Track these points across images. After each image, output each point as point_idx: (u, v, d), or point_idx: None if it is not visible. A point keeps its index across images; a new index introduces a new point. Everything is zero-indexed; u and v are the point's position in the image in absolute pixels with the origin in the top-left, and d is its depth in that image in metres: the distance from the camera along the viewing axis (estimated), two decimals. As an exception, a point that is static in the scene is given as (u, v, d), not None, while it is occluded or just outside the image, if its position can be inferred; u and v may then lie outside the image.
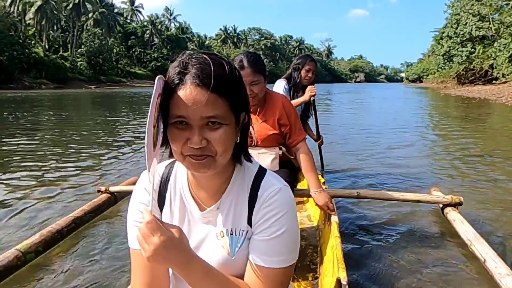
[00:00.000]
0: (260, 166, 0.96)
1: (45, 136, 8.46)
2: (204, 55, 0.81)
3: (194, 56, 0.80)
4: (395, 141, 7.47)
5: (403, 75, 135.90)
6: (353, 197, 2.89)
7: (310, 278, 2.14)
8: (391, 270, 2.34)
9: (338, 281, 1.31)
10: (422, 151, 6.54)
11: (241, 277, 0.90)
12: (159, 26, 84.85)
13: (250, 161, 0.95)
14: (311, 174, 2.28)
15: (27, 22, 59.15)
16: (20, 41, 49.75)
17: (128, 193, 3.41)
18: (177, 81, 0.78)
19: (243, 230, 0.90)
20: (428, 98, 28.88)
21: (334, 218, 2.17)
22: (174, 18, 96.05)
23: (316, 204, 2.31)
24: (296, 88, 3.55)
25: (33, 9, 58.06)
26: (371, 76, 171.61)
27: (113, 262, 2.42)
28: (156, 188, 0.95)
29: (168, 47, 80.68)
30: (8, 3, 59.02)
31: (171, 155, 0.87)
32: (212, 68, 0.77)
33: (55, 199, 3.74)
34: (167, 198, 0.95)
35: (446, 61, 44.85)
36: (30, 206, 3.52)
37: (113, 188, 3.29)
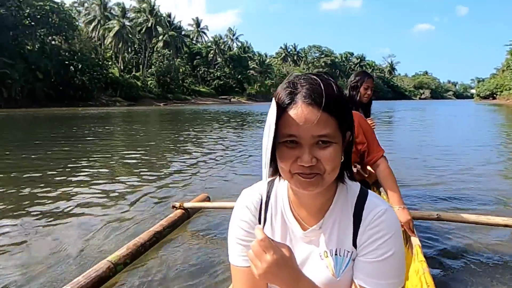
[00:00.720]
0: (361, 186, 0.96)
1: (119, 151, 9.10)
2: (313, 76, 0.84)
3: (303, 77, 0.83)
4: (470, 160, 7.11)
5: (473, 91, 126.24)
6: (433, 219, 2.68)
7: None
8: None
9: None
10: (502, 170, 6.18)
11: None
12: (222, 46, 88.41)
13: (354, 179, 0.95)
14: (393, 189, 2.23)
15: (106, 45, 65.35)
16: (100, 63, 55.05)
17: (199, 209, 3.69)
18: (288, 101, 0.80)
19: (348, 251, 0.90)
20: (503, 115, 26.58)
21: (415, 241, 2.08)
22: (237, 38, 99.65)
23: None
24: (355, 107, 3.45)
25: (111, 34, 64.02)
26: (438, 93, 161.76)
27: (194, 274, 2.56)
28: (257, 207, 0.95)
29: (230, 66, 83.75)
30: (90, 29, 65.85)
31: (273, 174, 0.91)
32: (322, 87, 0.80)
33: (133, 213, 3.96)
34: (268, 217, 0.96)
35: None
36: (111, 219, 3.76)
37: (186, 204, 3.48)
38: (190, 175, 5.93)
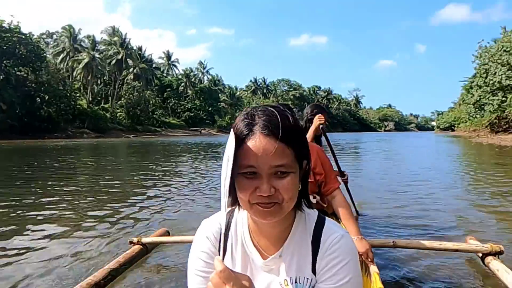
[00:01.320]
0: (319, 213, 0.97)
1: (80, 184, 8.80)
2: (270, 107, 0.85)
3: (260, 109, 0.85)
4: (427, 189, 7.40)
5: (434, 123, 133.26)
6: (389, 246, 2.79)
7: None
8: None
9: None
10: (455, 198, 6.43)
11: None
12: (193, 79, 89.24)
13: (311, 207, 0.96)
14: (349, 221, 2.25)
15: (75, 77, 64.23)
16: (68, 94, 53.77)
17: (158, 244, 3.51)
18: (246, 132, 0.81)
19: (307, 278, 0.90)
20: (460, 146, 28.18)
21: (374, 269, 2.11)
22: (207, 71, 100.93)
23: None
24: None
25: (81, 66, 63.14)
26: (401, 125, 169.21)
27: None
28: (217, 237, 0.94)
29: (201, 98, 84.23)
30: (59, 60, 64.73)
31: (232, 204, 0.91)
32: (279, 119, 0.81)
33: (89, 249, 3.75)
34: (228, 246, 0.95)
35: (477, 109, 43.99)
36: (65, 255, 3.54)
37: (145, 240, 3.34)
38: (152, 209, 5.72)
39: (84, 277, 2.75)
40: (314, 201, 2.36)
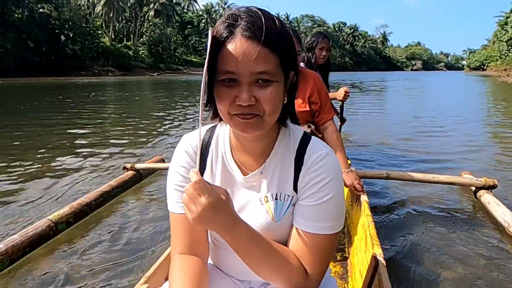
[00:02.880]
0: (305, 131, 0.91)
1: (105, 117, 9.17)
2: (255, 9, 0.76)
3: (243, 10, 0.76)
4: (431, 126, 7.43)
5: (464, 62, 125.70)
6: (382, 178, 2.82)
7: (338, 258, 2.10)
8: (424, 247, 2.30)
9: (374, 257, 1.25)
10: (457, 136, 6.41)
11: (283, 243, 0.87)
12: (214, 15, 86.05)
13: (297, 123, 0.91)
14: (338, 153, 2.21)
15: (96, 14, 63.08)
16: (91, 32, 53.32)
17: (153, 171, 3.55)
18: (226, 34, 0.73)
19: (288, 195, 0.86)
20: (483, 85, 27.14)
21: (364, 198, 2.14)
22: (228, 6, 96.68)
23: (344, 185, 2.20)
24: (312, 69, 3.23)
25: (102, 2, 61.67)
26: (430, 64, 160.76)
27: (144, 233, 2.51)
28: (196, 151, 0.87)
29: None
30: (79, -3, 63.28)
31: (213, 117, 0.85)
32: (263, 21, 0.73)
33: (86, 173, 3.94)
34: (208, 162, 0.91)
35: (510, 47, 40.93)
36: (63, 178, 3.74)
37: (138, 166, 3.34)
38: (152, 140, 5.94)
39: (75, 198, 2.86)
40: (308, 130, 2.29)
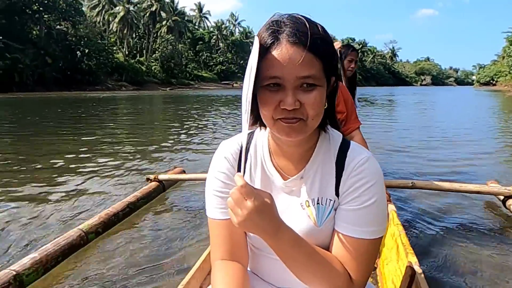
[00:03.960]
0: (343, 136, 0.91)
1: (119, 128, 9.32)
2: (298, 15, 0.77)
3: (287, 16, 0.76)
4: (450, 137, 7.43)
5: (474, 77, 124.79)
6: (408, 187, 2.81)
7: None
8: (457, 258, 2.28)
9: (409, 266, 1.23)
10: (480, 145, 6.37)
11: (325, 248, 0.85)
12: (224, 32, 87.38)
13: (337, 128, 0.91)
14: None
15: (111, 30, 64.69)
16: (106, 48, 54.61)
17: (175, 182, 3.60)
18: (271, 40, 0.73)
19: (330, 200, 0.85)
20: (493, 99, 27.17)
21: (392, 207, 2.12)
22: (239, 23, 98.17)
23: None
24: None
25: (117, 19, 63.27)
26: (439, 79, 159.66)
27: (172, 242, 2.51)
28: (236, 157, 0.89)
29: (232, 52, 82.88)
30: (94, 14, 65.06)
31: (254, 123, 0.85)
32: (308, 26, 0.74)
33: (111, 184, 4.01)
34: (247, 168, 0.91)
35: (519, 63, 40.85)
36: (90, 189, 3.79)
37: (161, 177, 3.39)
38: (173, 153, 5.98)
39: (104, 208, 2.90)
40: None
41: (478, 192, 2.85)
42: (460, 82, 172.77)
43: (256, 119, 0.84)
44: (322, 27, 0.77)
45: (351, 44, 3.32)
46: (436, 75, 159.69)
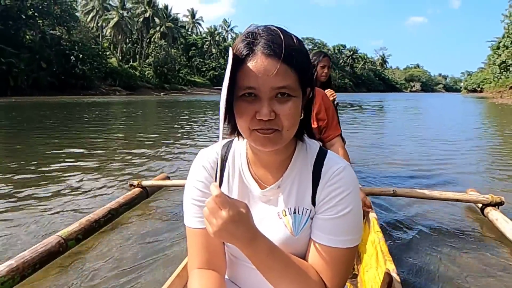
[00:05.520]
0: (320, 146, 0.91)
1: (112, 134, 9.20)
2: (273, 27, 0.77)
3: (262, 28, 0.77)
4: (433, 145, 7.46)
5: (462, 84, 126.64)
6: (389, 195, 2.81)
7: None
8: (435, 265, 2.26)
9: (387, 273, 1.22)
10: (461, 153, 6.40)
11: (301, 257, 0.85)
12: (217, 37, 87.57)
13: (314, 138, 0.90)
14: None
15: (104, 35, 64.42)
16: (100, 53, 54.26)
17: (159, 188, 3.53)
18: (247, 52, 0.74)
19: (306, 209, 0.85)
20: (477, 106, 27.62)
21: (373, 215, 2.12)
22: (231, 29, 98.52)
23: None
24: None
25: (111, 24, 63.02)
26: (428, 86, 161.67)
27: (153, 249, 2.47)
28: (214, 166, 0.89)
29: (224, 57, 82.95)
30: (88, 19, 64.73)
31: (231, 133, 0.86)
32: (282, 38, 0.74)
33: (92, 188, 3.92)
34: (225, 177, 0.91)
35: (502, 70, 41.81)
36: (70, 194, 3.70)
37: (145, 183, 3.31)
38: (158, 157, 5.95)
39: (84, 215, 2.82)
40: None
41: (457, 200, 2.87)
42: (448, 88, 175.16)
43: (234, 129, 0.83)
44: (298, 39, 0.78)
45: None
46: (425, 82, 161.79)
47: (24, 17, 45.00)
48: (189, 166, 0.94)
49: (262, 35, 0.75)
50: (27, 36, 45.96)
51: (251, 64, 0.73)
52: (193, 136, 8.72)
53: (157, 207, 3.36)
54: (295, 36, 0.78)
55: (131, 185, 3.35)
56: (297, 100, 0.76)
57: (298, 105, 0.77)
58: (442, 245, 2.56)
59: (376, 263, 1.72)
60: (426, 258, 2.37)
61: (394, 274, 1.39)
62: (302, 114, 0.81)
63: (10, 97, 35.74)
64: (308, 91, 0.82)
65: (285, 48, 0.73)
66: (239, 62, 0.74)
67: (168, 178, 3.75)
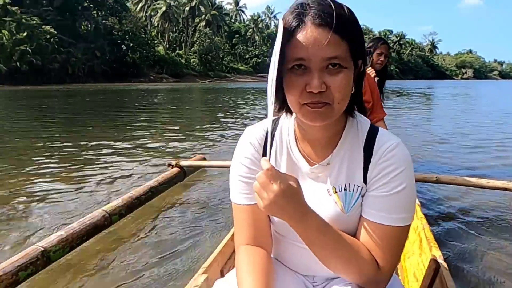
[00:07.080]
0: (371, 123, 0.87)
1: (160, 117, 9.52)
2: None
3: None
4: (480, 132, 7.08)
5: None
6: (432, 181, 2.69)
7: None
8: (484, 255, 2.15)
9: (433, 260, 1.17)
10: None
11: (352, 235, 0.81)
12: (260, 25, 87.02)
13: (365, 113, 0.86)
14: None
15: (152, 24, 66.53)
16: (149, 42, 56.34)
17: (197, 169, 3.57)
18: (296, 23, 0.70)
19: (357, 186, 0.81)
20: None
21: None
22: (274, 16, 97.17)
23: None
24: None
25: (159, 14, 64.98)
26: (481, 73, 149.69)
27: (194, 226, 2.53)
28: (261, 143, 0.86)
29: (267, 45, 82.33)
30: (138, 9, 67.09)
31: (280, 109, 0.83)
32: (333, 7, 0.70)
33: (136, 167, 4.12)
34: (273, 153, 0.88)
35: None
36: (115, 172, 3.88)
37: (183, 163, 3.37)
38: (200, 139, 6.07)
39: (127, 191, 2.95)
40: None
41: (506, 189, 2.64)
42: (505, 75, 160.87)
43: (282, 106, 0.81)
44: (349, 9, 0.73)
45: (383, 37, 3.00)
46: (478, 68, 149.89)
47: (80, 8, 47.64)
48: (227, 148, 0.90)
49: (312, 5, 0.71)
50: (82, 27, 48.68)
51: (301, 35, 0.69)
52: (234, 120, 8.84)
53: (194, 186, 3.44)
54: (346, 6, 0.74)
55: (169, 165, 3.42)
56: (349, 72, 0.72)
57: (350, 77, 0.73)
58: (489, 234, 2.41)
59: (419, 249, 1.64)
60: (473, 247, 2.25)
61: (441, 261, 1.32)
62: (353, 88, 0.77)
63: (68, 84, 38.24)
64: (360, 64, 0.77)
65: (336, 17, 0.69)
66: (289, 34, 0.70)
67: (204, 159, 3.81)
